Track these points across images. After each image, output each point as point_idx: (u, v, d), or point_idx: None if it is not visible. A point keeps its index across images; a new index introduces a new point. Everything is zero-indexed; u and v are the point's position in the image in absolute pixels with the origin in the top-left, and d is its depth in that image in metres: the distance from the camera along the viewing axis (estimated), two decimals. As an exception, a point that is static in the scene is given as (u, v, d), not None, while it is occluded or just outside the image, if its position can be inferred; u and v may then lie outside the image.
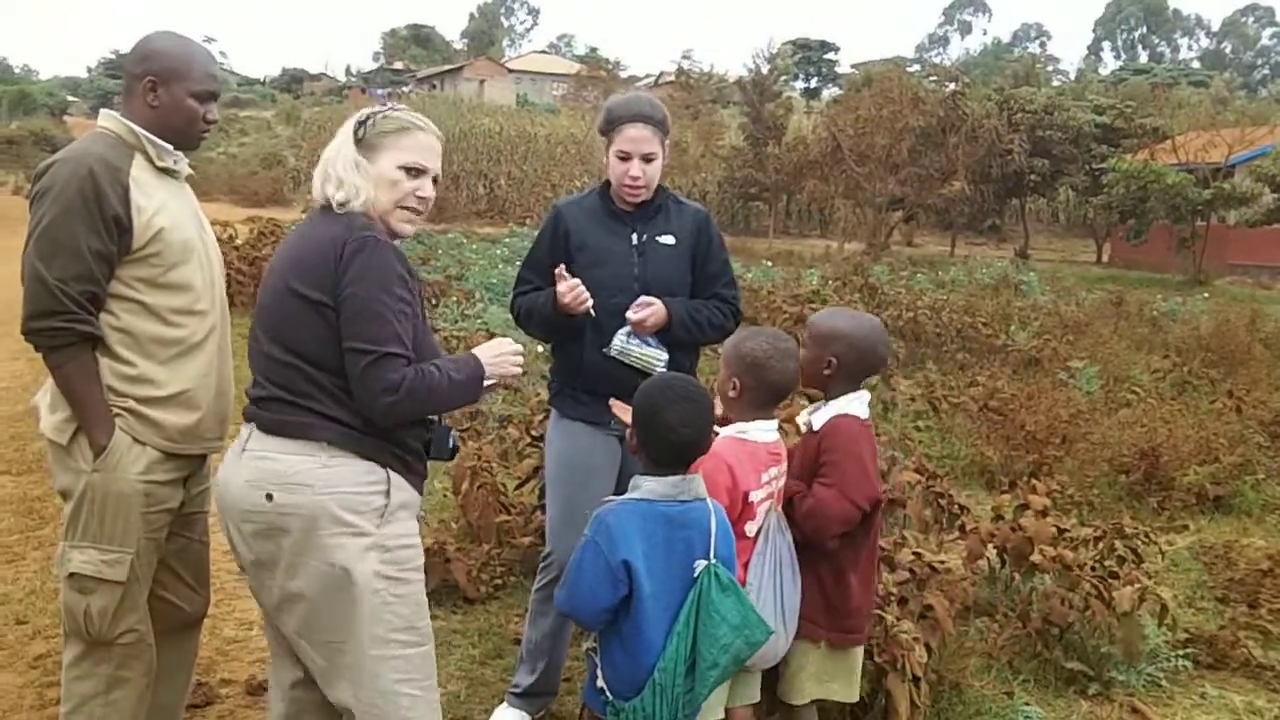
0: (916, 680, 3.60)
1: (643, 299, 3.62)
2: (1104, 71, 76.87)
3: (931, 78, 38.64)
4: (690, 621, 2.61)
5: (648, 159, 3.69)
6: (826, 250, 31.85)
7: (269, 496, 2.55)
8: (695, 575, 2.64)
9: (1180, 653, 4.63)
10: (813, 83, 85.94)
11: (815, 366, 3.22)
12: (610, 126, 3.72)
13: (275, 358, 2.62)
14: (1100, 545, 5.02)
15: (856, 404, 3.19)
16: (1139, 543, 5.04)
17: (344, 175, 2.69)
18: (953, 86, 36.30)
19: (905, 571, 4.08)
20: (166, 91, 2.98)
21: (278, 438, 2.60)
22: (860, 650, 3.29)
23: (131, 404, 2.92)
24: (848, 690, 3.26)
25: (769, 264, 23.04)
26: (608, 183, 3.82)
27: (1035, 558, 4.81)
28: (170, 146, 3.03)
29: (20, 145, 46.02)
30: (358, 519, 2.56)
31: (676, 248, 3.79)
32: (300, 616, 2.62)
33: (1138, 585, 4.54)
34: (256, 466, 2.59)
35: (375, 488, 2.61)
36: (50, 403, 2.96)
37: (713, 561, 2.65)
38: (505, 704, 3.96)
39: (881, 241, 33.18)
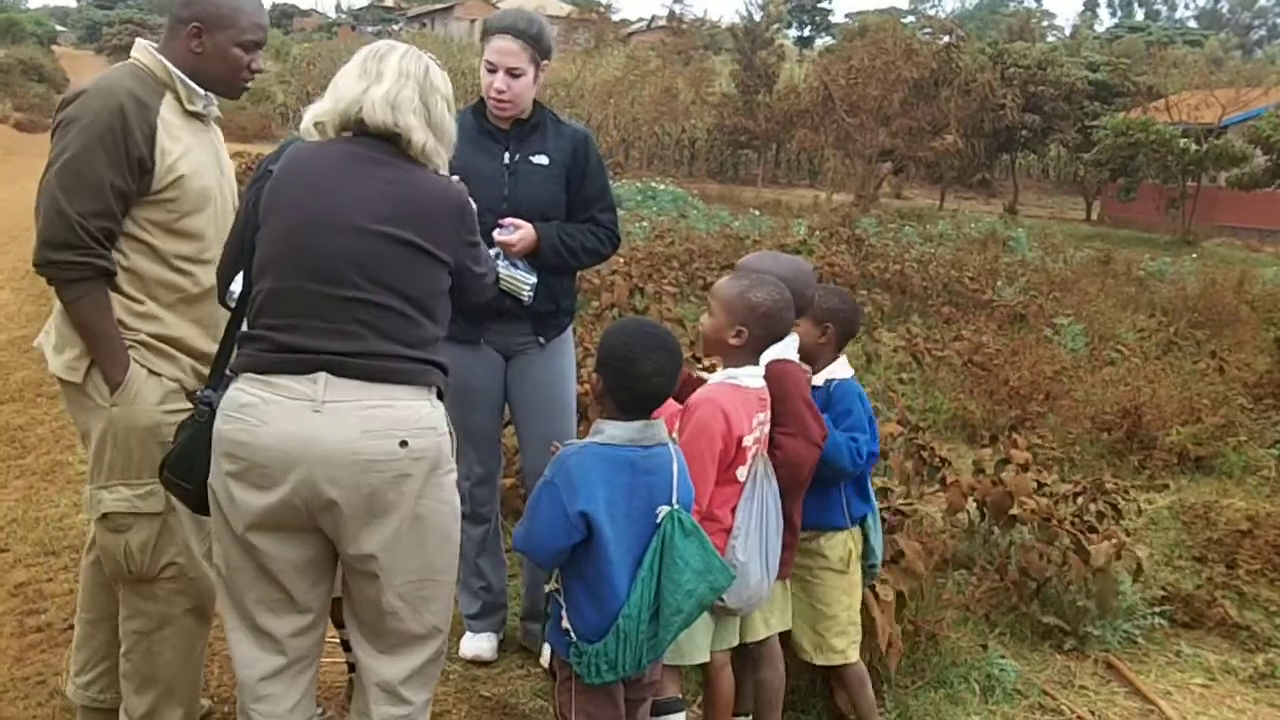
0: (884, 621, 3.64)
1: (510, 220, 3.57)
2: (1099, 28, 76.28)
3: (926, 30, 38.19)
4: (654, 567, 2.61)
5: (513, 73, 3.61)
6: (815, 200, 31.72)
7: (403, 443, 2.46)
8: (658, 521, 2.64)
9: (1156, 610, 4.68)
10: (806, 31, 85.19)
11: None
12: (483, 37, 3.68)
13: (375, 303, 2.50)
14: (1080, 501, 5.06)
15: (789, 348, 3.21)
16: (1119, 499, 5.08)
17: (444, 127, 2.67)
18: (947, 39, 35.96)
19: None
20: (211, 39, 2.90)
21: (386, 384, 2.49)
22: (787, 583, 3.36)
23: (144, 337, 2.87)
24: (783, 620, 3.36)
25: (756, 213, 22.94)
26: (483, 99, 3.76)
27: (1015, 511, 4.84)
28: (202, 91, 2.96)
29: (9, 74, 45.35)
30: (451, 458, 2.61)
31: (550, 169, 3.73)
32: (409, 558, 2.55)
33: (1114, 541, 4.58)
34: (375, 415, 2.46)
35: (449, 429, 2.63)
36: (56, 342, 2.90)
37: (675, 507, 2.65)
38: (468, 633, 4.07)
39: (870, 193, 33.04)
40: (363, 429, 2.44)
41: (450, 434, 2.61)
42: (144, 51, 2.93)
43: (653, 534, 2.63)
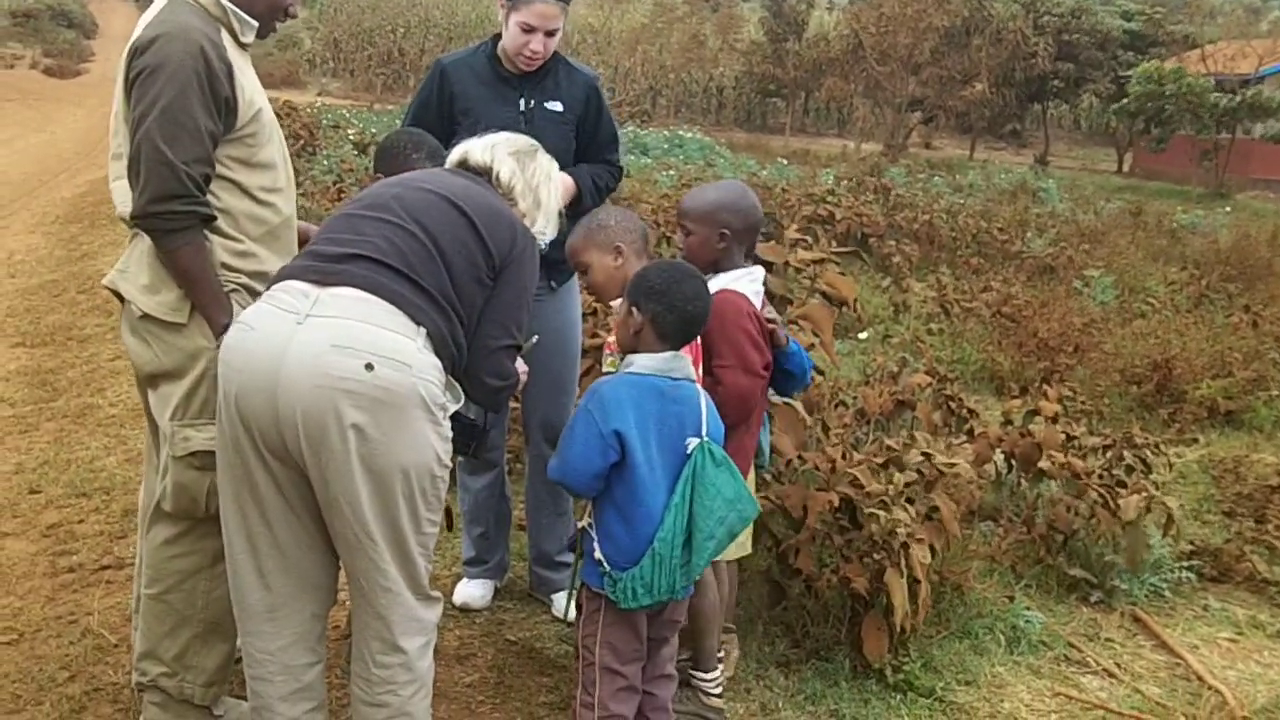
0: (917, 581, 3.63)
1: None
2: (1135, -24, 75.15)
3: (958, -24, 37.76)
4: (686, 495, 2.70)
5: (550, 34, 3.63)
6: (843, 150, 31.50)
7: (369, 366, 2.41)
8: (689, 452, 2.72)
9: (1184, 564, 4.66)
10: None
11: (707, 245, 3.28)
12: None
13: (405, 229, 2.60)
14: (1109, 454, 5.03)
15: (746, 281, 3.25)
16: (1148, 453, 5.05)
17: (545, 201, 2.96)
18: (979, -14, 35.54)
19: (913, 472, 4.09)
20: None
21: (380, 299, 2.48)
22: None
23: (244, 279, 2.86)
24: (741, 548, 3.38)
25: (784, 162, 22.76)
26: (497, 38, 3.74)
27: (1043, 464, 4.82)
28: (254, 23, 2.94)
29: (38, 19, 45.39)
30: (437, 410, 2.54)
31: (564, 114, 3.76)
32: (364, 500, 2.49)
33: (1144, 495, 4.55)
34: (349, 331, 2.43)
35: (442, 384, 2.57)
36: (149, 282, 2.84)
37: (705, 438, 2.73)
38: (464, 579, 4.09)
39: (899, 143, 32.78)
40: (332, 343, 2.41)
41: (439, 384, 2.54)
42: None
43: (683, 464, 2.72)
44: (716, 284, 3.21)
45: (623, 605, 2.72)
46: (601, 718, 2.81)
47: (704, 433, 2.75)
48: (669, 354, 2.78)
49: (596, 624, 2.81)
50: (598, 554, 2.75)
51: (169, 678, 2.99)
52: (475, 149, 2.92)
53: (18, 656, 3.50)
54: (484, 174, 2.88)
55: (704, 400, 2.79)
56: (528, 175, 2.92)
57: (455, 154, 2.96)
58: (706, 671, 3.39)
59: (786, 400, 3.90)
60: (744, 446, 3.22)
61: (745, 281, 3.25)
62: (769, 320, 3.27)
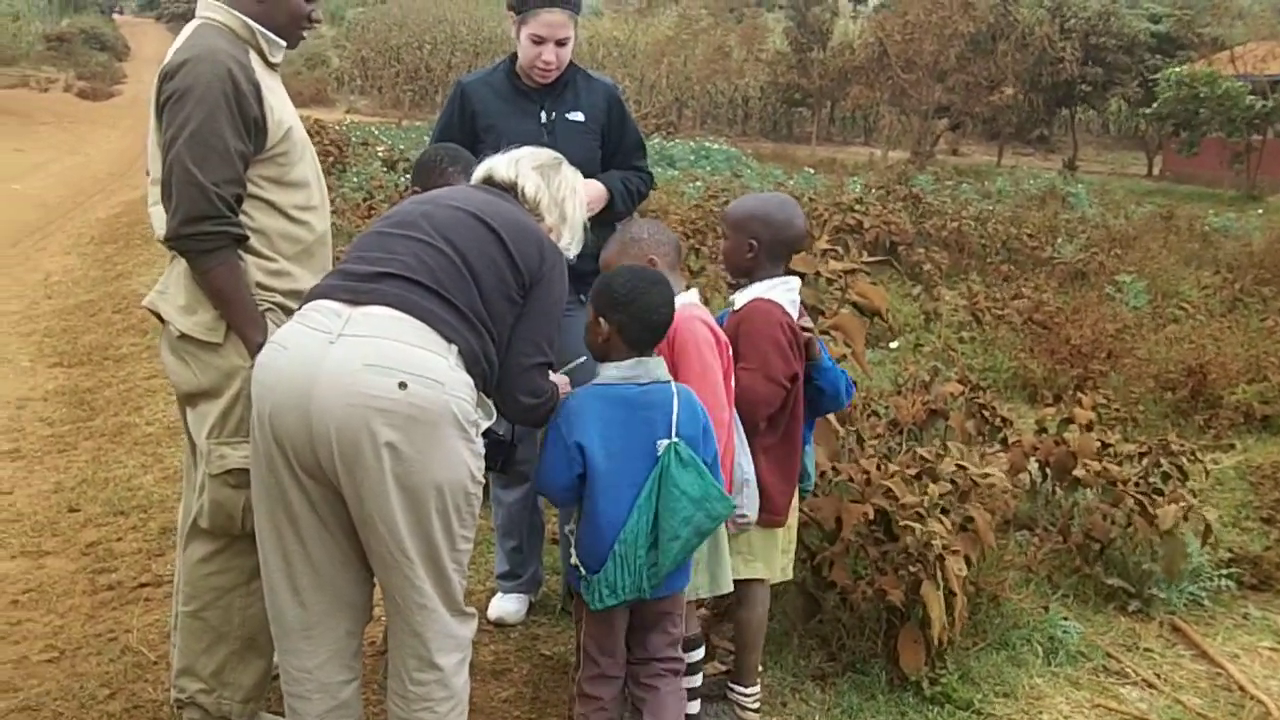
0: (953, 593, 3.61)
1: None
2: (1162, -22, 74.63)
3: (983, -18, 37.62)
4: (652, 496, 2.76)
5: (561, 43, 3.68)
6: (870, 158, 31.41)
7: (403, 385, 2.42)
8: (659, 454, 2.77)
9: (1223, 573, 4.61)
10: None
11: (738, 252, 3.32)
12: (524, 8, 3.67)
13: (434, 246, 2.61)
14: (1144, 462, 4.99)
15: (781, 290, 3.27)
16: (1184, 460, 5.00)
17: (570, 214, 2.96)
18: (1005, -8, 35.40)
19: (947, 483, 4.07)
20: None
21: (412, 317, 2.49)
22: (780, 532, 3.36)
23: (279, 298, 2.89)
24: (769, 569, 3.37)
25: (811, 171, 22.74)
26: (514, 57, 3.79)
27: (1078, 472, 4.79)
28: (282, 42, 2.97)
29: (71, 43, 45.87)
30: (470, 427, 2.55)
31: (586, 124, 3.81)
32: (399, 518, 2.49)
33: (1182, 503, 4.51)
34: (381, 349, 2.45)
35: (474, 401, 2.58)
36: (186, 303, 2.88)
37: (674, 440, 2.78)
38: (498, 594, 4.10)
39: (926, 150, 32.65)
40: (365, 361, 2.43)
41: (471, 401, 2.55)
42: (217, 9, 2.90)
43: (654, 466, 2.79)
44: (750, 293, 3.26)
45: (593, 607, 2.83)
46: (577, 695, 3.00)
47: (673, 433, 2.79)
48: (633, 360, 2.84)
49: (583, 618, 2.99)
50: (574, 559, 2.86)
51: (206, 694, 3.01)
52: (499, 165, 2.93)
53: (59, 674, 3.53)
54: (509, 190, 2.89)
55: (677, 401, 2.83)
56: (553, 189, 2.93)
57: (479, 171, 2.98)
58: (746, 687, 3.39)
59: (818, 413, 3.90)
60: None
61: (780, 290, 3.27)
62: (805, 330, 3.27)
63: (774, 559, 3.38)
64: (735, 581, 3.24)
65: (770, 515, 3.25)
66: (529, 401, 2.77)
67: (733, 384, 3.12)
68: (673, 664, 3.01)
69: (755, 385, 3.14)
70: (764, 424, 3.22)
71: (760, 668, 3.51)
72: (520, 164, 2.93)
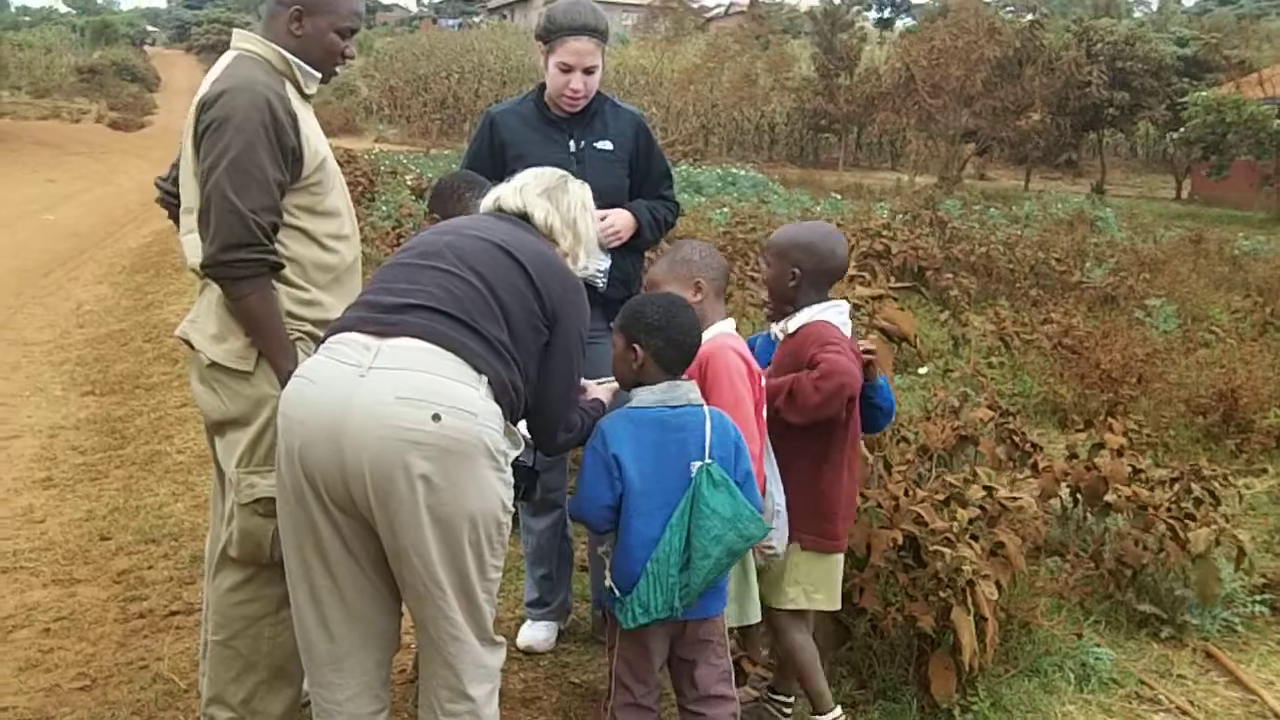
0: (984, 619, 3.58)
1: (604, 213, 3.57)
2: (1188, 2, 74.29)
3: (1008, 8, 37.67)
4: (685, 516, 2.80)
5: (589, 71, 3.69)
6: (897, 183, 31.33)
7: (436, 417, 2.42)
8: (693, 475, 2.81)
9: (1257, 598, 4.57)
10: (886, 13, 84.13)
11: (780, 280, 3.34)
12: (551, 36, 3.69)
13: (460, 276, 2.63)
14: (1176, 486, 4.94)
15: (833, 313, 3.29)
16: (1216, 485, 4.95)
17: (583, 232, 2.95)
18: (1030, 17, 35.37)
19: (976, 508, 4.05)
20: (311, 23, 2.95)
21: (441, 348, 2.50)
22: (840, 559, 3.36)
23: (309, 328, 2.93)
24: (830, 600, 3.35)
25: (838, 196, 22.70)
26: (543, 86, 3.81)
27: (1109, 497, 4.76)
28: (317, 74, 3.02)
29: (103, 74, 46.58)
30: (500, 457, 2.56)
31: (615, 153, 3.83)
32: (434, 549, 2.50)
33: (1214, 527, 4.47)
34: (413, 381, 2.45)
35: (503, 430, 2.59)
36: (217, 331, 2.91)
37: (707, 461, 2.81)
38: (528, 622, 4.09)
39: (954, 175, 32.57)
40: (397, 394, 2.43)
41: (501, 430, 2.56)
42: (253, 41, 2.96)
43: (686, 487, 2.82)
44: (802, 317, 3.27)
45: (625, 625, 2.85)
46: None
47: (707, 455, 2.82)
48: (667, 384, 2.88)
49: (615, 641, 2.99)
50: (608, 580, 2.89)
51: None
52: (505, 194, 2.94)
53: (90, 702, 3.55)
54: (522, 218, 2.90)
55: (709, 424, 2.85)
56: (563, 210, 2.93)
57: (487, 200, 2.99)
58: (823, 714, 3.35)
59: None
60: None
61: (833, 313, 3.29)
62: (866, 352, 3.29)
63: (835, 589, 3.35)
64: (773, 610, 3.25)
65: (833, 542, 3.26)
66: (565, 437, 2.89)
67: (764, 415, 3.12)
68: (728, 704, 2.99)
69: (838, 359, 3.11)
70: (836, 431, 3.24)
71: (790, 696, 3.50)
72: (525, 192, 2.93)
